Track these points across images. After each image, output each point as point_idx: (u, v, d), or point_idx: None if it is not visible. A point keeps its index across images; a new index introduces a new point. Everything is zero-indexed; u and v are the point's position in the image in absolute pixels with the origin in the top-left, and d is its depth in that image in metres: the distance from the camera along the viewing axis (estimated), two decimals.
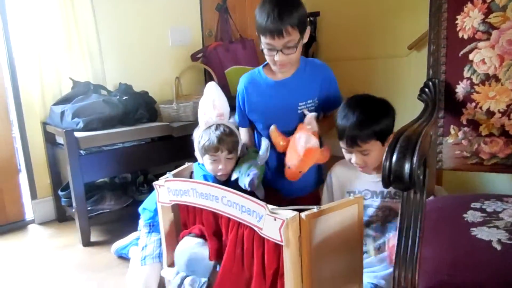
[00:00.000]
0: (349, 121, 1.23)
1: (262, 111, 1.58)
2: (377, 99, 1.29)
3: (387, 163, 0.64)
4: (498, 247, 0.79)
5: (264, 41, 1.41)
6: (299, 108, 1.52)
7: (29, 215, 2.15)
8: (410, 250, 0.67)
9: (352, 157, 1.28)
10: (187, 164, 1.38)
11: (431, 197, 1.13)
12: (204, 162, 1.50)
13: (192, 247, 1.19)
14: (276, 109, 1.54)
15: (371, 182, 1.35)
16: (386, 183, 0.64)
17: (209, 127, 1.48)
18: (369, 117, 1.22)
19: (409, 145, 0.64)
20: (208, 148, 1.44)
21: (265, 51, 1.45)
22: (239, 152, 1.51)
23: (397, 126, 1.30)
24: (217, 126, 1.47)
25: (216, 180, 1.49)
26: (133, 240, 1.67)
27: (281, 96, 1.53)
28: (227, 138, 1.45)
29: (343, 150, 1.31)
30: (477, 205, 0.98)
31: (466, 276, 0.72)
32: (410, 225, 0.67)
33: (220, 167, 1.45)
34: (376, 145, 1.24)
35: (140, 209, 1.66)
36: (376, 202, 1.35)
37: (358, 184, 1.36)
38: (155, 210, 1.53)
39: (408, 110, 1.37)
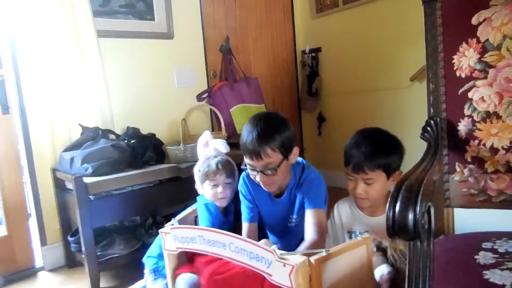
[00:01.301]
0: (360, 148, 1.25)
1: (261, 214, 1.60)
2: (388, 133, 1.32)
3: (391, 213, 0.64)
4: None
5: (245, 160, 1.42)
6: (289, 220, 1.54)
7: (38, 261, 2.14)
8: None
9: (355, 186, 1.28)
10: (191, 209, 1.39)
11: (441, 236, 1.11)
12: (204, 190, 1.64)
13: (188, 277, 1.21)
14: (269, 218, 1.58)
15: (371, 226, 1.34)
16: (391, 233, 0.64)
17: (208, 158, 1.67)
18: (380, 147, 1.26)
19: (411, 194, 0.65)
20: (208, 173, 1.61)
21: (248, 170, 1.44)
22: (236, 181, 1.64)
23: (403, 161, 1.32)
24: (215, 156, 1.67)
25: (217, 208, 1.60)
26: (143, 287, 1.66)
27: (275, 210, 1.55)
28: (225, 164, 1.64)
29: (348, 178, 1.31)
30: (488, 245, 0.96)
31: None
32: (419, 274, 0.66)
33: (219, 190, 1.60)
34: (381, 177, 1.25)
35: (144, 259, 1.68)
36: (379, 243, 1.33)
37: (359, 225, 1.36)
38: (159, 255, 1.55)
39: (411, 140, 1.38)
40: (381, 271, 1.13)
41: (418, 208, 0.63)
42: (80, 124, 2.12)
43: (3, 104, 2.03)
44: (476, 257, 0.92)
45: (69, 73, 2.11)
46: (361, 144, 1.27)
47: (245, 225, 1.56)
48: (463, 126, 1.14)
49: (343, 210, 1.44)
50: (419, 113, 1.20)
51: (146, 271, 1.65)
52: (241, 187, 1.59)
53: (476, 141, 1.12)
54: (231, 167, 1.68)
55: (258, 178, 1.42)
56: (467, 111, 1.13)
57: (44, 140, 2.08)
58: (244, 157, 1.42)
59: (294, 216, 1.54)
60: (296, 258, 0.92)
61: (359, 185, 1.29)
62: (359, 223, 1.36)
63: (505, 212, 1.11)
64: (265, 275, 0.95)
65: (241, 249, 1.01)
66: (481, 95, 1.11)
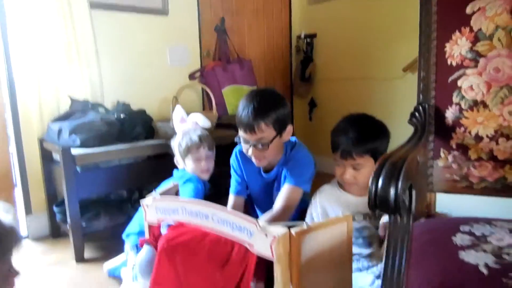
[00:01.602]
0: (347, 134, 1.26)
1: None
2: (375, 119, 1.34)
3: (373, 188, 0.66)
4: (485, 271, 0.80)
5: (239, 133, 1.44)
6: (274, 194, 1.55)
7: (23, 231, 2.14)
8: (397, 273, 0.68)
9: (343, 172, 1.29)
10: (173, 184, 1.39)
11: (422, 220, 1.14)
12: (186, 165, 1.68)
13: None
14: (257, 194, 1.63)
15: (361, 205, 1.35)
16: (372, 206, 0.66)
17: (187, 132, 1.71)
18: (367, 132, 1.27)
19: (394, 170, 0.67)
20: (191, 146, 1.65)
21: (241, 143, 1.47)
22: (214, 154, 1.72)
23: (391, 147, 1.33)
24: (195, 130, 1.71)
25: (200, 181, 1.64)
26: (124, 261, 1.67)
27: (263, 185, 1.58)
28: (206, 137, 1.69)
29: (336, 164, 1.33)
30: (466, 228, 0.99)
31: None
32: (397, 249, 0.68)
33: (202, 163, 1.65)
34: (369, 162, 1.27)
35: (124, 236, 1.70)
36: (371, 223, 1.36)
37: (348, 207, 1.36)
38: (140, 233, 1.56)
39: (401, 130, 1.40)
40: (385, 218, 1.18)
41: (400, 184, 0.64)
42: (69, 96, 2.10)
43: None
44: (454, 238, 0.94)
45: (60, 43, 2.07)
46: (348, 130, 1.28)
47: (231, 197, 1.60)
48: (450, 114, 1.16)
49: (327, 194, 1.43)
50: (410, 104, 1.21)
51: (127, 246, 1.66)
52: (232, 161, 1.62)
53: (462, 129, 1.14)
54: (211, 140, 1.73)
55: (250, 152, 1.44)
56: (455, 99, 1.15)
57: (32, 109, 2.06)
58: (239, 130, 1.44)
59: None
60: (277, 229, 0.93)
61: (347, 170, 1.31)
62: (347, 205, 1.37)
63: (485, 199, 1.14)
64: (247, 245, 0.97)
65: (223, 220, 1.02)
66: (470, 84, 1.13)
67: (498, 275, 0.78)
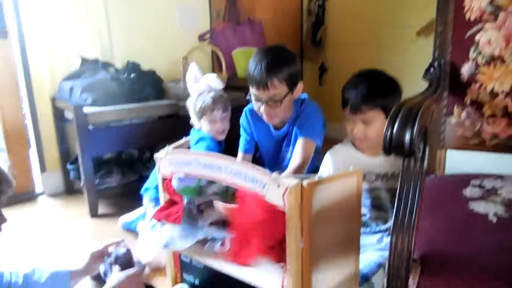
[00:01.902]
0: (357, 88, 1.25)
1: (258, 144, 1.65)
2: (387, 75, 1.31)
3: (388, 132, 0.66)
4: (494, 220, 0.81)
5: (251, 90, 1.43)
6: (285, 151, 1.58)
7: (38, 187, 2.20)
8: (408, 216, 0.69)
9: (354, 127, 1.29)
10: (184, 139, 1.41)
11: (432, 176, 1.15)
12: (202, 125, 1.68)
13: None
14: (267, 152, 1.63)
15: (374, 166, 1.36)
16: (387, 150, 0.66)
17: (201, 93, 1.67)
18: (378, 87, 1.25)
19: (410, 114, 0.67)
20: (205, 109, 1.63)
21: (252, 101, 1.46)
22: (229, 114, 1.70)
23: None
24: (209, 91, 1.67)
25: (214, 140, 1.65)
26: (140, 215, 1.72)
27: (274, 142, 1.59)
28: (220, 99, 1.66)
29: (346, 121, 1.32)
30: (477, 182, 1.00)
31: (461, 245, 0.75)
32: (409, 192, 0.70)
33: (217, 125, 1.64)
34: (379, 117, 1.25)
35: (142, 191, 1.73)
36: (383, 184, 1.37)
37: (361, 166, 1.36)
38: (157, 187, 1.59)
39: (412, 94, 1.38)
40: None
41: (416, 127, 0.65)
42: (79, 55, 2.10)
43: (1, 28, 1.99)
44: (464, 191, 0.96)
45: (69, 1, 2.05)
46: (358, 84, 1.26)
47: (240, 154, 1.62)
48: (466, 69, 1.14)
49: (340, 154, 1.42)
50: (423, 68, 1.19)
51: (146, 200, 1.70)
52: (242, 120, 1.63)
53: (477, 85, 1.13)
54: (225, 101, 1.71)
55: (262, 109, 1.44)
56: (472, 54, 1.13)
57: (43, 68, 2.07)
58: (250, 87, 1.43)
59: (291, 149, 1.56)
60: (290, 180, 0.95)
61: (357, 126, 1.29)
62: (359, 165, 1.37)
63: (496, 156, 1.14)
64: (259, 196, 0.99)
65: (237, 172, 1.04)
66: (488, 38, 1.11)
67: (507, 223, 0.80)
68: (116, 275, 1.18)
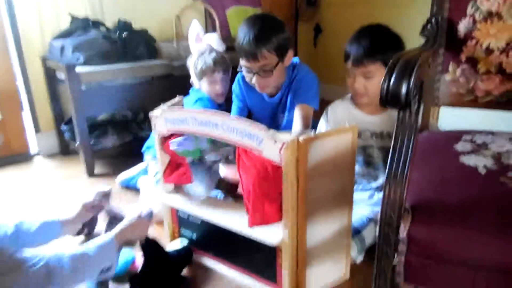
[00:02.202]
0: (360, 41, 1.25)
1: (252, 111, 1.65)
2: (390, 30, 1.31)
3: (385, 84, 0.67)
4: (483, 172, 0.84)
5: (241, 62, 1.42)
6: (281, 119, 1.58)
7: (33, 148, 2.20)
8: (401, 167, 0.72)
9: (355, 81, 1.29)
10: (178, 98, 1.40)
11: (425, 132, 1.17)
12: (202, 86, 1.68)
13: None
14: (262, 120, 1.59)
15: (370, 123, 1.38)
16: (383, 102, 0.68)
17: (203, 53, 1.66)
18: (380, 41, 1.26)
19: (407, 67, 0.67)
20: (206, 70, 1.63)
21: (244, 72, 1.43)
22: (230, 75, 1.69)
23: None
24: (210, 51, 1.66)
25: (211, 101, 1.66)
26: (140, 171, 1.74)
27: (268, 110, 1.59)
28: (221, 60, 1.65)
29: (347, 75, 1.32)
30: (468, 137, 1.03)
31: (450, 195, 0.78)
32: (403, 145, 0.71)
33: (217, 87, 1.65)
34: (380, 71, 1.25)
35: (143, 149, 1.75)
36: (376, 142, 1.39)
37: (358, 123, 1.38)
38: None
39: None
40: None
41: (412, 80, 0.65)
42: (69, 13, 2.04)
43: None
44: (455, 146, 0.98)
45: None
46: (361, 38, 1.27)
47: None
48: (463, 26, 1.14)
49: (339, 110, 1.44)
50: (419, 27, 1.17)
51: (148, 157, 1.73)
52: (235, 87, 1.62)
53: (474, 41, 1.13)
54: (226, 62, 1.70)
55: (253, 80, 1.44)
56: (469, 10, 1.12)
57: (32, 27, 2.01)
58: (240, 59, 1.42)
59: (286, 114, 1.58)
60: (286, 136, 0.97)
61: (358, 79, 1.30)
62: (358, 122, 1.38)
63: (489, 113, 1.16)
64: (256, 152, 1.01)
65: (233, 128, 1.05)
66: None
67: (496, 174, 0.83)
68: (130, 215, 1.18)
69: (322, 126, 1.44)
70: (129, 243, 1.15)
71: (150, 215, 1.23)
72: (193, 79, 1.73)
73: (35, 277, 0.87)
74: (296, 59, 1.56)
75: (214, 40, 1.72)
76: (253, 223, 1.10)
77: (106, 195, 1.38)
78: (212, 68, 1.64)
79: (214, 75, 1.65)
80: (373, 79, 1.27)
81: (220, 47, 1.73)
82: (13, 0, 1.96)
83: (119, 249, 1.09)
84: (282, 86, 1.53)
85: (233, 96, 1.64)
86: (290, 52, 1.45)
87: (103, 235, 1.08)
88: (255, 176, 1.04)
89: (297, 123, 1.44)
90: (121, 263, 1.17)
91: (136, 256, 1.21)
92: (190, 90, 1.76)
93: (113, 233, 1.08)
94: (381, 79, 1.24)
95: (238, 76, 1.61)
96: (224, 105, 1.76)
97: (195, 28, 1.73)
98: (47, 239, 1.19)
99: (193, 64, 1.70)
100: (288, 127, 1.55)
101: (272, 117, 1.62)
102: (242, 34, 1.37)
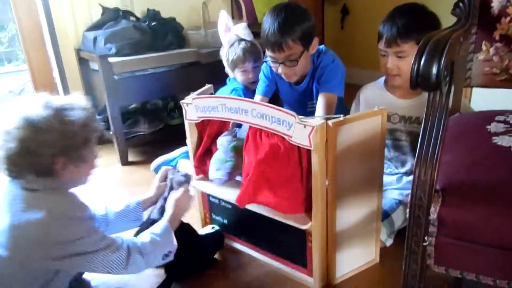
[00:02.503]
0: (393, 20, 1.24)
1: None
2: (426, 9, 1.29)
3: (415, 65, 0.67)
4: None
5: (267, 52, 1.43)
6: (308, 106, 1.58)
7: None
8: (432, 149, 0.72)
9: (387, 61, 1.28)
10: (207, 86, 1.43)
11: (457, 114, 1.15)
12: (235, 76, 1.74)
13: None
14: (290, 106, 1.63)
15: (400, 108, 1.37)
16: (413, 84, 0.68)
17: (233, 44, 1.70)
18: (414, 19, 1.24)
19: (438, 48, 0.67)
20: (236, 61, 1.68)
21: (270, 63, 1.47)
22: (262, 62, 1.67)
23: None
24: (239, 41, 1.69)
25: (246, 90, 1.71)
26: (182, 153, 1.79)
27: (295, 96, 1.61)
28: (250, 49, 1.68)
29: (380, 54, 1.31)
30: (501, 118, 1.01)
31: (482, 175, 0.78)
32: (434, 126, 0.72)
33: (250, 76, 1.69)
34: (414, 51, 1.23)
35: None
36: (404, 127, 1.38)
37: (388, 107, 1.36)
38: None
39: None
40: None
41: (442, 60, 0.65)
42: (100, 4, 2.10)
43: None
44: (488, 127, 0.97)
45: None
46: (395, 17, 1.25)
47: (257, 97, 1.62)
48: (496, 2, 1.10)
49: (370, 93, 1.44)
50: (450, 5, 1.14)
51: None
52: (264, 68, 1.63)
53: (508, 18, 1.09)
54: (257, 50, 1.72)
55: (280, 70, 1.46)
56: None
57: (66, 19, 2.08)
58: (266, 49, 1.44)
59: (314, 102, 1.58)
60: (315, 121, 0.98)
61: (391, 59, 1.28)
62: (388, 105, 1.36)
63: None
64: (286, 137, 1.03)
65: (263, 114, 1.07)
66: None
67: None
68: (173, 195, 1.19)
69: (353, 108, 1.45)
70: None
71: (187, 178, 1.23)
72: (227, 70, 1.78)
73: (119, 257, 0.95)
74: (322, 47, 1.57)
75: (242, 30, 1.73)
76: (239, 200, 1.13)
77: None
78: (242, 59, 1.68)
79: (245, 65, 1.69)
80: (406, 58, 1.25)
81: (248, 37, 1.73)
82: None
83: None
84: (307, 73, 1.54)
85: (261, 74, 1.65)
86: (315, 40, 1.45)
87: (158, 222, 1.10)
88: (260, 158, 1.07)
89: (319, 111, 1.46)
90: None
91: None
92: (227, 81, 1.80)
93: (166, 219, 1.10)
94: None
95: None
96: None
97: (223, 19, 1.74)
98: (131, 220, 1.22)
99: (225, 56, 1.75)
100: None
101: (300, 105, 1.63)
102: (266, 25, 1.38)
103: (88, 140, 0.96)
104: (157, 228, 1.07)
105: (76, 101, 0.96)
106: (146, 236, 1.04)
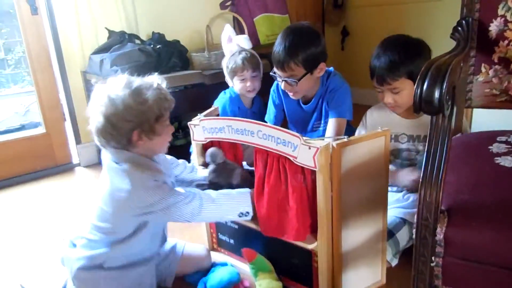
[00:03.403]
0: (380, 60, 1.26)
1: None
2: (412, 39, 1.31)
3: (418, 90, 0.70)
4: None
5: (274, 68, 1.53)
6: (315, 127, 1.68)
7: (75, 159, 2.32)
8: (436, 170, 0.74)
9: (383, 96, 1.31)
10: (214, 107, 1.47)
11: (458, 135, 1.18)
12: (234, 84, 1.82)
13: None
14: (297, 125, 1.73)
15: (407, 127, 1.38)
16: (417, 108, 0.70)
17: (233, 54, 1.80)
18: (401, 56, 1.25)
19: (439, 73, 0.69)
20: (236, 69, 1.77)
21: (276, 75, 1.55)
22: (261, 73, 1.81)
23: None
24: (240, 52, 1.79)
25: (237, 99, 1.80)
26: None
27: (302, 116, 1.69)
28: (250, 59, 1.78)
29: (376, 90, 1.35)
30: (503, 138, 1.03)
31: (486, 195, 0.79)
32: (437, 148, 0.73)
33: (248, 84, 1.77)
34: (407, 84, 1.26)
35: (191, 149, 1.82)
36: (414, 145, 1.40)
37: (395, 127, 1.39)
38: None
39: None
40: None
41: (445, 85, 0.67)
42: (106, 28, 2.15)
43: (31, 4, 2.05)
44: (490, 147, 0.98)
45: None
46: (380, 55, 1.27)
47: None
48: (494, 27, 1.14)
49: (377, 114, 1.45)
50: (450, 28, 1.17)
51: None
52: (273, 92, 1.73)
53: (506, 42, 1.12)
54: (256, 60, 1.81)
55: (282, 85, 1.55)
56: (500, 11, 1.12)
57: (73, 42, 2.13)
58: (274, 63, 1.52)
59: (322, 123, 1.65)
60: (320, 142, 1.00)
61: (386, 95, 1.31)
62: (395, 126, 1.38)
63: None
64: (291, 158, 1.05)
65: (268, 136, 1.09)
66: None
67: None
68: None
69: (358, 131, 1.47)
70: None
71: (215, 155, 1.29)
72: (227, 79, 1.87)
73: (193, 207, 1.10)
74: (331, 69, 1.64)
75: (243, 40, 1.82)
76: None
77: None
78: (242, 67, 1.77)
79: (244, 73, 1.78)
80: (401, 93, 1.27)
81: (247, 45, 1.85)
82: (55, 17, 2.09)
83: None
84: (316, 93, 1.60)
85: (270, 101, 1.75)
86: (322, 65, 1.51)
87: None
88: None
89: (329, 134, 1.53)
90: (225, 279, 1.22)
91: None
92: (220, 94, 1.89)
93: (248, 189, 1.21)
94: (410, 90, 1.27)
95: (278, 84, 1.69)
96: (258, 104, 1.88)
97: (227, 31, 1.87)
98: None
99: (226, 65, 1.84)
100: (323, 135, 1.62)
101: (306, 123, 1.69)
102: (277, 43, 1.48)
103: (159, 116, 1.09)
104: (236, 190, 1.20)
105: (152, 82, 1.10)
106: (223, 191, 1.18)
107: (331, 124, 1.55)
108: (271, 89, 1.74)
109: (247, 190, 1.20)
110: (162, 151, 1.19)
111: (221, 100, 1.85)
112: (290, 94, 1.57)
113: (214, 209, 1.13)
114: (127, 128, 1.04)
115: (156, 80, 1.12)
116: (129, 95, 1.03)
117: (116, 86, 1.05)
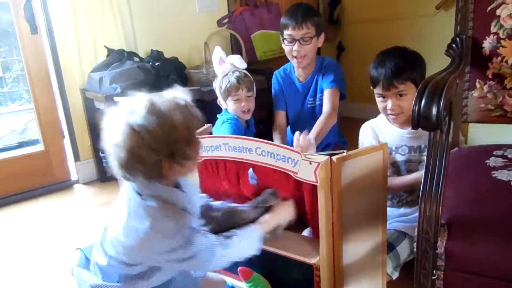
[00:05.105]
0: (386, 65, 1.28)
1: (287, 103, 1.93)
2: (408, 49, 1.35)
3: (416, 107, 0.72)
4: None
5: (286, 33, 1.74)
6: (309, 100, 1.87)
7: (73, 175, 2.32)
8: (435, 185, 0.75)
9: (387, 103, 1.32)
10: (206, 125, 1.45)
11: (456, 149, 1.19)
12: (228, 106, 1.75)
13: None
14: (294, 107, 1.90)
15: (407, 138, 1.39)
16: (415, 124, 0.72)
17: (227, 74, 1.75)
18: (405, 60, 1.28)
19: (437, 90, 0.72)
20: (230, 89, 1.71)
21: (286, 45, 1.76)
22: (255, 93, 1.80)
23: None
24: (233, 71, 1.76)
25: (237, 121, 1.74)
26: None
27: (299, 94, 1.88)
28: (244, 78, 1.74)
29: (378, 99, 1.35)
30: (499, 152, 1.04)
31: (485, 209, 0.81)
32: (436, 163, 0.75)
33: (242, 104, 1.72)
34: (412, 89, 1.27)
35: None
36: (415, 156, 1.41)
37: (394, 140, 1.39)
38: None
39: (434, 70, 1.40)
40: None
41: (442, 102, 0.70)
42: (105, 46, 2.18)
43: (31, 23, 2.08)
44: (487, 161, 1.00)
45: None
46: (386, 62, 1.29)
47: (279, 113, 1.89)
48: (487, 44, 1.17)
49: (373, 128, 1.45)
50: (443, 42, 1.21)
51: None
52: (273, 81, 1.92)
53: (499, 58, 1.15)
54: (250, 80, 1.76)
55: (295, 47, 1.73)
56: (493, 29, 1.15)
57: (72, 60, 2.15)
58: (284, 30, 1.75)
59: (317, 99, 1.84)
60: (320, 157, 1.01)
61: (390, 101, 1.31)
62: (394, 138, 1.39)
63: None
64: (291, 174, 1.06)
65: (267, 152, 1.10)
66: (509, 12, 1.13)
67: None
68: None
69: (363, 141, 1.47)
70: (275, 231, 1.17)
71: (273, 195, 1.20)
72: (220, 100, 1.79)
73: (205, 260, 1.00)
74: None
75: (236, 60, 1.79)
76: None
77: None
78: (236, 86, 1.70)
79: (239, 92, 1.71)
80: (406, 97, 1.28)
81: (242, 65, 1.80)
82: (54, 36, 2.12)
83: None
84: (312, 71, 1.82)
85: (273, 90, 1.92)
86: (323, 35, 1.79)
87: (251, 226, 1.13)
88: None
89: (326, 104, 1.75)
90: None
91: None
92: (218, 116, 1.82)
93: (258, 223, 1.13)
94: (414, 95, 1.28)
95: (276, 72, 1.93)
96: (253, 123, 1.85)
97: (217, 53, 1.81)
98: None
99: (218, 85, 1.77)
100: (319, 110, 1.81)
101: (302, 103, 1.89)
102: (290, 11, 1.76)
103: (190, 140, 0.96)
104: (242, 232, 1.09)
105: (177, 99, 0.95)
106: (229, 239, 1.07)
107: (327, 94, 1.75)
108: (272, 80, 1.92)
109: (256, 226, 1.12)
110: (192, 173, 1.12)
111: (227, 127, 1.72)
112: (300, 59, 1.75)
113: (218, 260, 1.04)
114: (155, 160, 0.90)
115: (180, 95, 0.98)
116: (155, 122, 0.87)
117: (137, 111, 0.89)
